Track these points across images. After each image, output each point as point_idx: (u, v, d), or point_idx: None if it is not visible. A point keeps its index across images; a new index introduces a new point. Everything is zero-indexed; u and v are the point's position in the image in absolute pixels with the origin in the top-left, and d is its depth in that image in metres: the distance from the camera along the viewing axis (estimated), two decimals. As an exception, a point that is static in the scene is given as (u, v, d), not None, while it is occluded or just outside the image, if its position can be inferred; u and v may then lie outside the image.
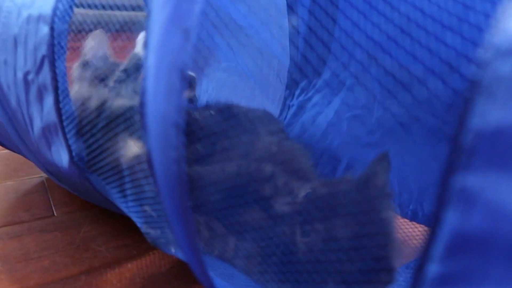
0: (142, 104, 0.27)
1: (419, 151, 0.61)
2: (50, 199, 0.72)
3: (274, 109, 0.79)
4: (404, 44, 0.51)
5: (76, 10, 0.37)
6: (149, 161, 0.27)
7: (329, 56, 0.63)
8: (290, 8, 0.65)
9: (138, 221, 0.38)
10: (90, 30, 0.50)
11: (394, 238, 0.41)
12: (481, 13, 0.30)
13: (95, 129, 0.40)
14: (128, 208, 0.39)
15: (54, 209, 0.69)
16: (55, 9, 0.36)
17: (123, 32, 0.54)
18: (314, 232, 0.38)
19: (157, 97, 0.26)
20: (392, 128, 0.62)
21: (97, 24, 0.50)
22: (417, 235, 0.60)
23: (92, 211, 0.69)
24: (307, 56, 0.68)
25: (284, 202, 0.39)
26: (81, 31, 0.49)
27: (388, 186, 0.43)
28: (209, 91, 0.82)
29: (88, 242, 0.62)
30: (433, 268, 0.17)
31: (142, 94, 0.26)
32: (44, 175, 0.79)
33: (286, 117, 0.77)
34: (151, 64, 0.26)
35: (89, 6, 0.37)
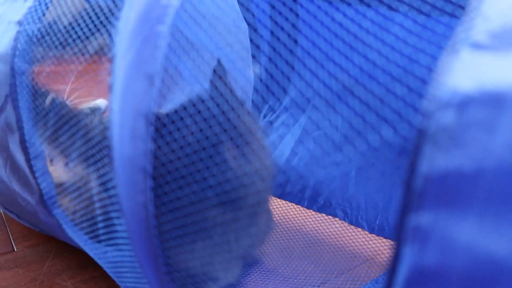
0: (109, 148, 0.27)
1: (383, 165, 0.64)
2: (9, 233, 0.69)
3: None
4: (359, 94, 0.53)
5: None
6: (120, 204, 0.27)
7: (294, 75, 0.66)
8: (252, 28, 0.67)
9: (107, 266, 0.37)
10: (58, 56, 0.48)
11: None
12: (424, 66, 0.33)
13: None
14: (96, 252, 0.39)
15: (14, 244, 0.66)
16: (14, 48, 0.35)
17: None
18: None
19: (123, 142, 0.26)
20: (357, 144, 0.65)
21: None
22: (385, 250, 0.62)
23: (56, 243, 0.66)
24: (271, 76, 0.70)
25: None
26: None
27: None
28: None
29: (53, 277, 0.59)
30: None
31: (110, 138, 0.27)
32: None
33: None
34: (116, 110, 0.26)
35: (49, 47, 0.37)
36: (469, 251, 0.17)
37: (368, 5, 0.50)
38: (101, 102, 0.53)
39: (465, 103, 0.17)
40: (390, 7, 0.47)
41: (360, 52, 0.44)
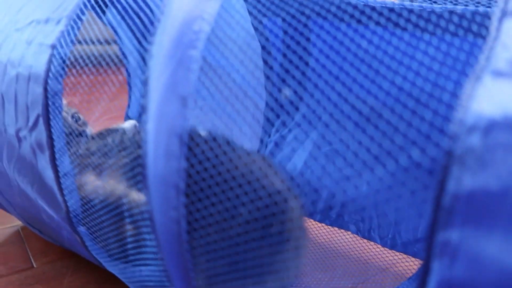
0: (143, 166, 0.28)
1: (394, 181, 0.65)
2: (28, 249, 0.69)
3: (251, 146, 0.81)
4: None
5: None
6: (151, 220, 0.28)
7: (305, 92, 0.67)
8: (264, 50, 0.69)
9: (131, 281, 0.38)
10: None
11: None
12: (448, 92, 0.35)
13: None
14: (118, 268, 0.39)
15: (33, 260, 0.66)
16: (47, 70, 0.37)
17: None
18: None
19: (158, 160, 0.27)
20: (368, 160, 0.66)
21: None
22: (399, 261, 0.63)
23: (74, 259, 0.67)
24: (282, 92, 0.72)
25: None
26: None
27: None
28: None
29: (73, 293, 0.60)
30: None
31: (144, 156, 0.28)
32: (19, 223, 0.76)
33: (264, 154, 0.79)
34: (150, 129, 0.27)
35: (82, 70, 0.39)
36: (496, 266, 0.18)
37: (396, 25, 0.52)
38: (128, 124, 0.54)
39: (490, 127, 0.19)
40: (417, 26, 0.50)
41: (382, 77, 0.46)
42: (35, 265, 0.65)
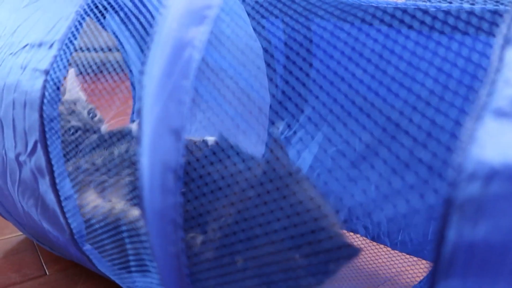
0: (140, 198, 0.28)
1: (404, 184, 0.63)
2: (41, 256, 0.70)
3: (259, 145, 0.81)
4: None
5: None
6: (152, 250, 0.28)
7: (310, 94, 0.66)
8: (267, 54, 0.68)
9: None
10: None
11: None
12: (447, 132, 0.33)
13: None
14: (126, 281, 0.40)
15: (45, 268, 0.68)
16: (42, 96, 0.36)
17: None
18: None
19: (154, 195, 0.27)
20: (376, 163, 0.65)
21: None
22: (407, 269, 0.62)
23: (85, 267, 0.68)
24: (285, 94, 0.71)
25: None
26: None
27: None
28: (193, 132, 0.83)
29: (85, 301, 0.61)
30: None
31: (140, 189, 0.28)
32: (32, 231, 0.78)
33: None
34: (145, 164, 0.27)
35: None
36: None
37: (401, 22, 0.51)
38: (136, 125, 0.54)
39: (491, 176, 0.18)
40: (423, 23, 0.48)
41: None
42: (48, 273, 0.66)
